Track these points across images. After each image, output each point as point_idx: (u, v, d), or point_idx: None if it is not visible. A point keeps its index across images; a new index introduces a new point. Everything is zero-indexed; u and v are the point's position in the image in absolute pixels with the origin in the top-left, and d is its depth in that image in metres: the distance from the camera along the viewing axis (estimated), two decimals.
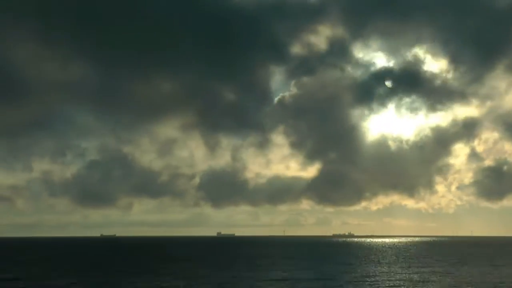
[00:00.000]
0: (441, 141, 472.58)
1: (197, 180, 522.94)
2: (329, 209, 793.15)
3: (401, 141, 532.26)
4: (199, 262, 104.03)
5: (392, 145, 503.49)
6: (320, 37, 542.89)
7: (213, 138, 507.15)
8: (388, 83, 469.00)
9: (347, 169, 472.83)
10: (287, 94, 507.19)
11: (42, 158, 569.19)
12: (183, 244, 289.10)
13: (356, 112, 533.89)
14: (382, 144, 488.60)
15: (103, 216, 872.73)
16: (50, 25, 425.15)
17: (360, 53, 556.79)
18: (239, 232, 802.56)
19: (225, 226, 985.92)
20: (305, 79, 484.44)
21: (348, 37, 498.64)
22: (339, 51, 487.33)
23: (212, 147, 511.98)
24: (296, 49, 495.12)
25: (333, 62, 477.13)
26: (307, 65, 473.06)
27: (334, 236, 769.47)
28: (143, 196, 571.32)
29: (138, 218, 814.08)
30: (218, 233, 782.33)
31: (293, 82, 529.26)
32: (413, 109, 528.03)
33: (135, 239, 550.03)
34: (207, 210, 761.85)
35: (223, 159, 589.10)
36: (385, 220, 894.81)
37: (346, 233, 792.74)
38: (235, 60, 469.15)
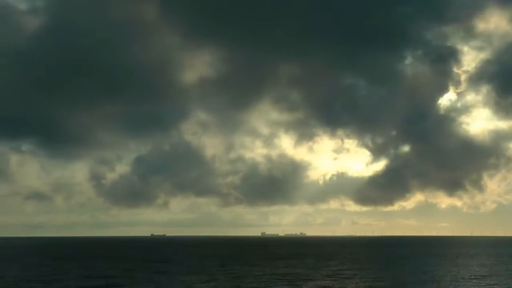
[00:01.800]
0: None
1: (239, 180, 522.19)
2: (366, 209, 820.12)
3: (478, 138, 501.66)
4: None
5: (465, 143, 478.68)
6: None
7: (304, 133, 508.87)
8: None
9: (408, 167, 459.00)
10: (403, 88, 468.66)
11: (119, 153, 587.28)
12: (268, 244, 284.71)
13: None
14: (457, 141, 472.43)
15: (156, 215, 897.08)
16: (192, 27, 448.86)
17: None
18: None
19: (233, 226, 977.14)
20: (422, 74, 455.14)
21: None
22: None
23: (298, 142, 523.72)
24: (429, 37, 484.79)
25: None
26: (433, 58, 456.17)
27: (286, 235, 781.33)
28: (184, 193, 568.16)
29: (177, 217, 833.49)
30: (262, 233, 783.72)
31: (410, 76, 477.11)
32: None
33: (187, 238, 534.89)
34: (246, 209, 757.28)
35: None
36: (395, 220, 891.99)
37: (298, 233, 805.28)
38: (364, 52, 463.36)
